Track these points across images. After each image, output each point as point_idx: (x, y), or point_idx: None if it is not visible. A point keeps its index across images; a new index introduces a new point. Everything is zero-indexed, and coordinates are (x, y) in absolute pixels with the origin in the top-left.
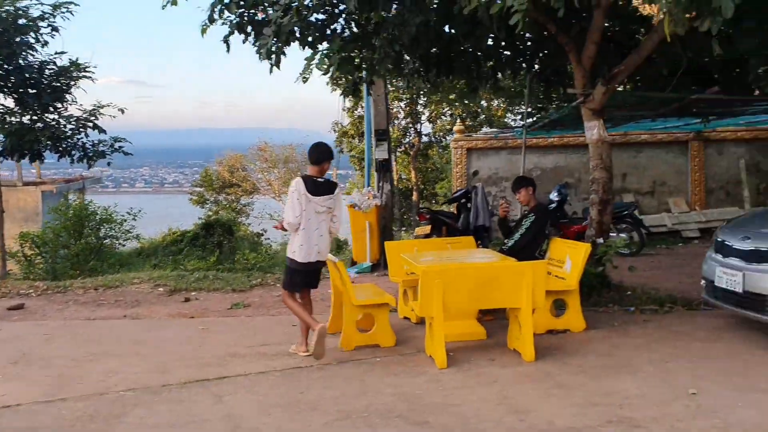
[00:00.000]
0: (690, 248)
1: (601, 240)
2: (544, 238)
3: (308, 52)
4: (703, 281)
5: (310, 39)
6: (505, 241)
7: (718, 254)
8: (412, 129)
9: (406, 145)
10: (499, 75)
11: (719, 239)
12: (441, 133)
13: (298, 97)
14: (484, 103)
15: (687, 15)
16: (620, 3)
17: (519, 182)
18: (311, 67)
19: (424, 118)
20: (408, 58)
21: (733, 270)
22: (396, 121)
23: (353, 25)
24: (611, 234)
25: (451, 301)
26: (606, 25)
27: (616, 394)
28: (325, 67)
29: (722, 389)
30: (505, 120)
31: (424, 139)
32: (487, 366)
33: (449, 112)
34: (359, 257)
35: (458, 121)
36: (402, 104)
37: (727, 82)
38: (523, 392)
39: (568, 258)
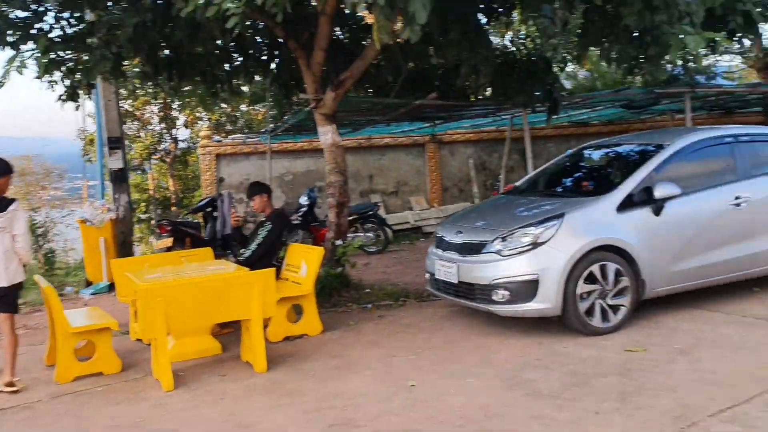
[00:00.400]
0: (429, 242)
1: (339, 242)
2: (281, 245)
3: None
4: (427, 274)
5: (11, 39)
6: (242, 251)
7: (438, 249)
8: (168, 135)
9: (162, 152)
10: (235, 79)
11: (438, 235)
12: (200, 139)
13: (39, 101)
14: (243, 107)
15: (392, 24)
16: (347, 11)
17: (252, 189)
18: (11, 70)
19: (180, 122)
20: (131, 60)
21: (449, 263)
22: (149, 127)
23: (66, 24)
24: (359, 234)
25: (176, 319)
26: (337, 32)
27: (341, 396)
28: (26, 69)
29: (439, 378)
30: (268, 124)
31: (182, 144)
32: (218, 382)
33: (207, 116)
34: (95, 277)
35: (206, 125)
36: (155, 108)
37: (446, 88)
38: (251, 406)
39: (304, 263)
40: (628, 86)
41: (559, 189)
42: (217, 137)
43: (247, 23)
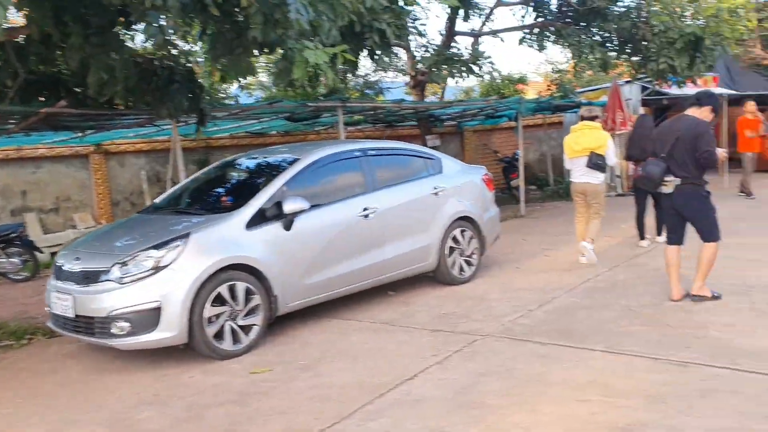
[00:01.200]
0: None
1: None
2: None
3: None
4: (47, 308)
5: None
6: None
7: (57, 280)
8: None
9: None
10: None
11: (57, 263)
12: None
13: None
14: None
15: None
16: None
17: None
18: None
19: None
20: None
21: (65, 294)
22: None
23: None
24: (1, 260)
25: None
26: None
27: None
28: None
29: None
30: None
31: None
32: None
33: None
34: None
35: None
36: None
37: (83, 94)
38: None
39: None
40: (281, 99)
41: (197, 205)
42: None
43: None
